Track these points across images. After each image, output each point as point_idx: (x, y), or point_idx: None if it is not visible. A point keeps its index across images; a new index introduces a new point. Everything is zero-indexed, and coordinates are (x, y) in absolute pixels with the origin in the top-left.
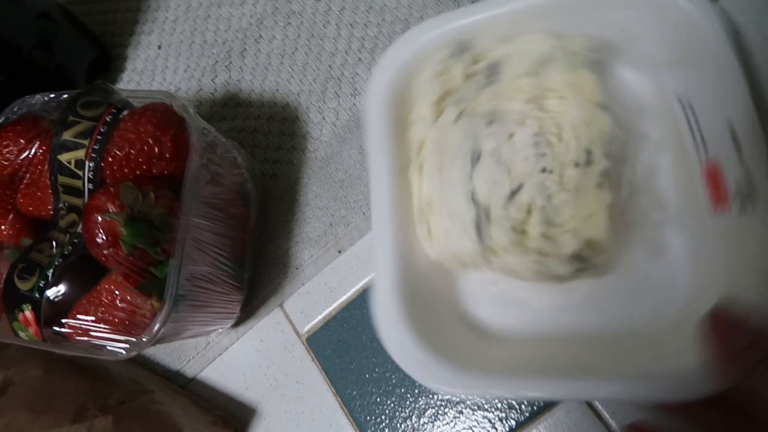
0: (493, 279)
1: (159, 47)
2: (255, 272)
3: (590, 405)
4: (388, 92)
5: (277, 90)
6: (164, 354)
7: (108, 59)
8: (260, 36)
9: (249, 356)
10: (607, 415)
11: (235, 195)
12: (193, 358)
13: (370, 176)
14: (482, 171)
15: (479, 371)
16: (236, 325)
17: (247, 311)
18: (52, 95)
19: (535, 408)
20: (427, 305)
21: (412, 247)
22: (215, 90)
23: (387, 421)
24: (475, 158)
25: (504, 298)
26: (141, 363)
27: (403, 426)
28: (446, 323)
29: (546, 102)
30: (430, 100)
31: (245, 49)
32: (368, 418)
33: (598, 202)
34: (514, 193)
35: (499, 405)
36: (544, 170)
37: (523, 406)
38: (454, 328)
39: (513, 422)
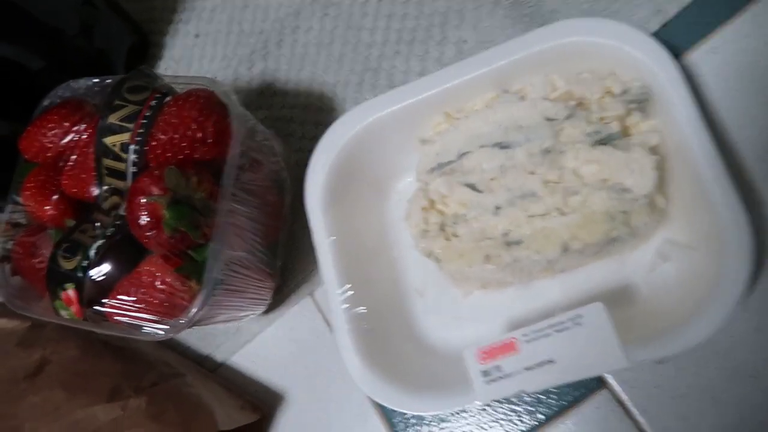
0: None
1: (197, 36)
2: (287, 261)
3: (619, 401)
4: (327, 169)
5: (314, 80)
6: (195, 338)
7: (146, 46)
8: (297, 26)
9: (279, 343)
10: (637, 413)
11: (271, 182)
12: (223, 343)
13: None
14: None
15: (424, 389)
16: (267, 312)
17: (279, 299)
18: (95, 80)
19: (564, 402)
20: (384, 337)
21: (363, 292)
22: (251, 79)
23: None
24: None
25: (457, 319)
26: (172, 346)
27: (429, 417)
28: (402, 349)
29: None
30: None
31: (282, 39)
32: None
33: None
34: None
35: (527, 399)
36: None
37: (551, 401)
38: (409, 352)
39: (542, 416)
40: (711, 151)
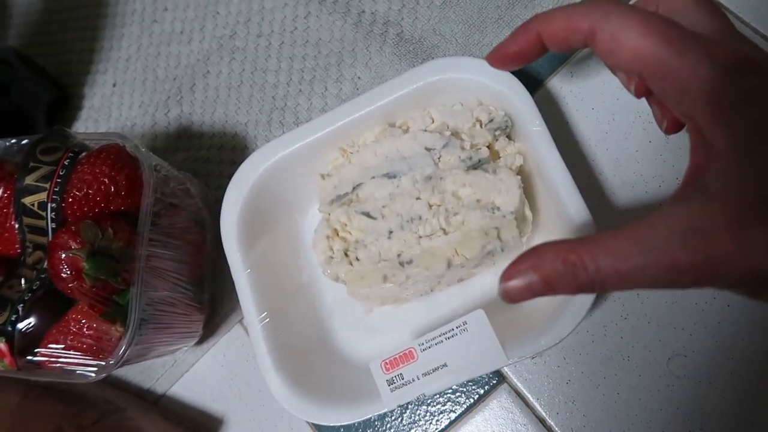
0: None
1: (114, 85)
2: (215, 292)
3: (518, 392)
4: (240, 203)
5: (226, 121)
6: (135, 374)
7: (66, 99)
8: (208, 71)
9: (214, 370)
10: (532, 400)
11: (191, 223)
12: (162, 375)
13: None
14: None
15: (341, 401)
16: (200, 342)
17: (210, 329)
18: (13, 140)
19: (472, 399)
20: (302, 355)
21: (280, 317)
22: (169, 123)
23: None
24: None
25: (369, 333)
26: (113, 383)
27: (356, 423)
28: (320, 365)
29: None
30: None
31: (194, 83)
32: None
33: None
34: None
35: (440, 399)
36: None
37: (461, 399)
38: (327, 367)
39: (453, 414)
40: (562, 168)
